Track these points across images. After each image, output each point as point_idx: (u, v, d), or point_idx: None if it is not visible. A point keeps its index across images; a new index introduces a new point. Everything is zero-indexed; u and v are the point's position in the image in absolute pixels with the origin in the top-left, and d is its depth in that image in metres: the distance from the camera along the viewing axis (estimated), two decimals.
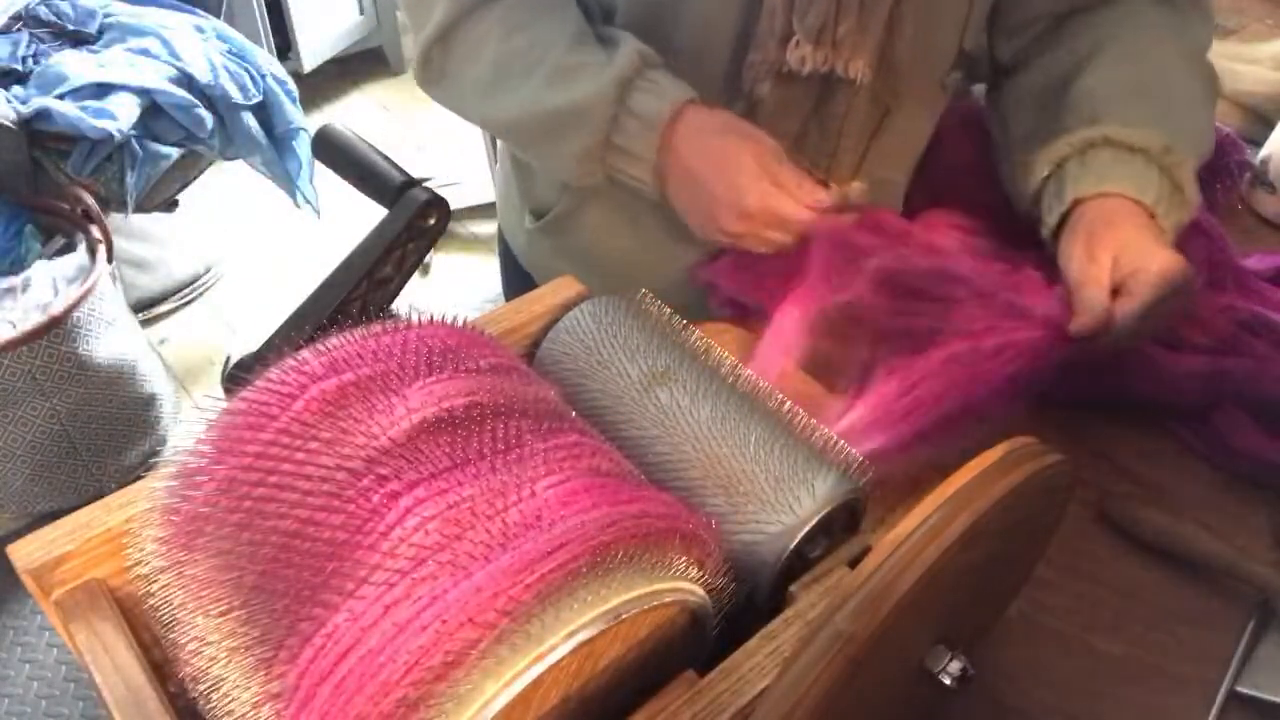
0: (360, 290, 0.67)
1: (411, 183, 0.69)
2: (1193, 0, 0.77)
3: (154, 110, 1.67)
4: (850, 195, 0.75)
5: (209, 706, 0.37)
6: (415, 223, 0.68)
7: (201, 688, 0.37)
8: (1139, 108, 0.70)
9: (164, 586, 0.40)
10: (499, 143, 0.94)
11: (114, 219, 1.68)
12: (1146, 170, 0.68)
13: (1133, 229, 0.66)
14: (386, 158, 0.71)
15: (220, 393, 0.45)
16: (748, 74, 0.72)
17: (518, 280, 0.99)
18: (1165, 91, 0.72)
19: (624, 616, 0.36)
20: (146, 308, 2.06)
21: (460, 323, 0.48)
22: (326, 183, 2.51)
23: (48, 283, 1.53)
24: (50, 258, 1.59)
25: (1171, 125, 0.70)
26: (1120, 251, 0.65)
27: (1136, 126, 0.69)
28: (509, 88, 0.71)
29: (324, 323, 0.66)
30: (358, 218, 2.98)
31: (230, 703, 0.36)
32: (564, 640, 0.34)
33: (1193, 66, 0.75)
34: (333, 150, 0.72)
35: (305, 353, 0.42)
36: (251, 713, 0.35)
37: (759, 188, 0.65)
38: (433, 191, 0.69)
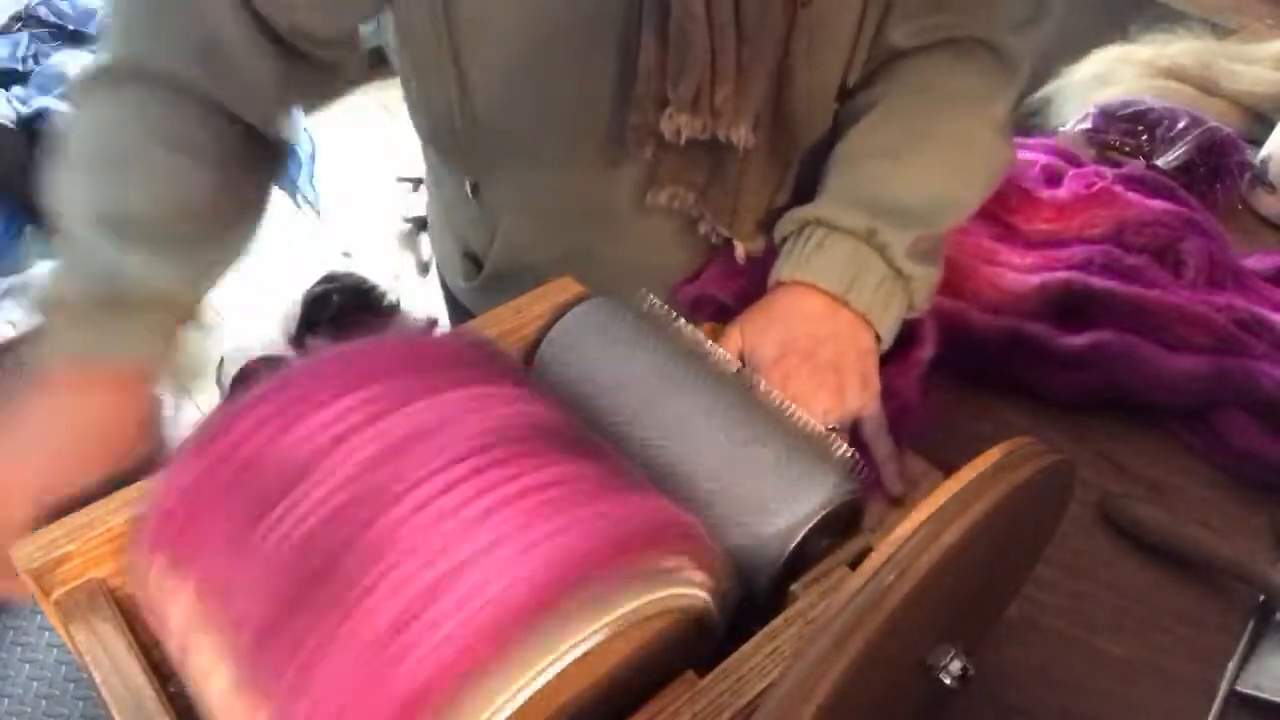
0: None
1: None
2: (1005, 66, 0.71)
3: None
4: (751, 252, 0.73)
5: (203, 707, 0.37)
6: None
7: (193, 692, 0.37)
8: (859, 181, 0.67)
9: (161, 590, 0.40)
10: (426, 176, 0.91)
11: None
12: (853, 253, 0.64)
13: (769, 329, 0.64)
14: None
15: (216, 393, 0.44)
16: (630, 137, 0.67)
17: (459, 316, 0.95)
18: (901, 164, 0.67)
19: (625, 624, 0.36)
20: None
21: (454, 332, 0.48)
22: (326, 183, 2.51)
23: None
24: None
25: (890, 201, 0.65)
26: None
27: (847, 206, 0.65)
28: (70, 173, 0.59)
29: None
30: (357, 218, 2.98)
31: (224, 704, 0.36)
32: (565, 653, 0.34)
33: (960, 137, 0.70)
34: None
35: (297, 367, 0.42)
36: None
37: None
38: None
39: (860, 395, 0.62)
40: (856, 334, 0.64)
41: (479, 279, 0.85)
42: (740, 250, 0.75)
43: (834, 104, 0.73)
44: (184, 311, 0.61)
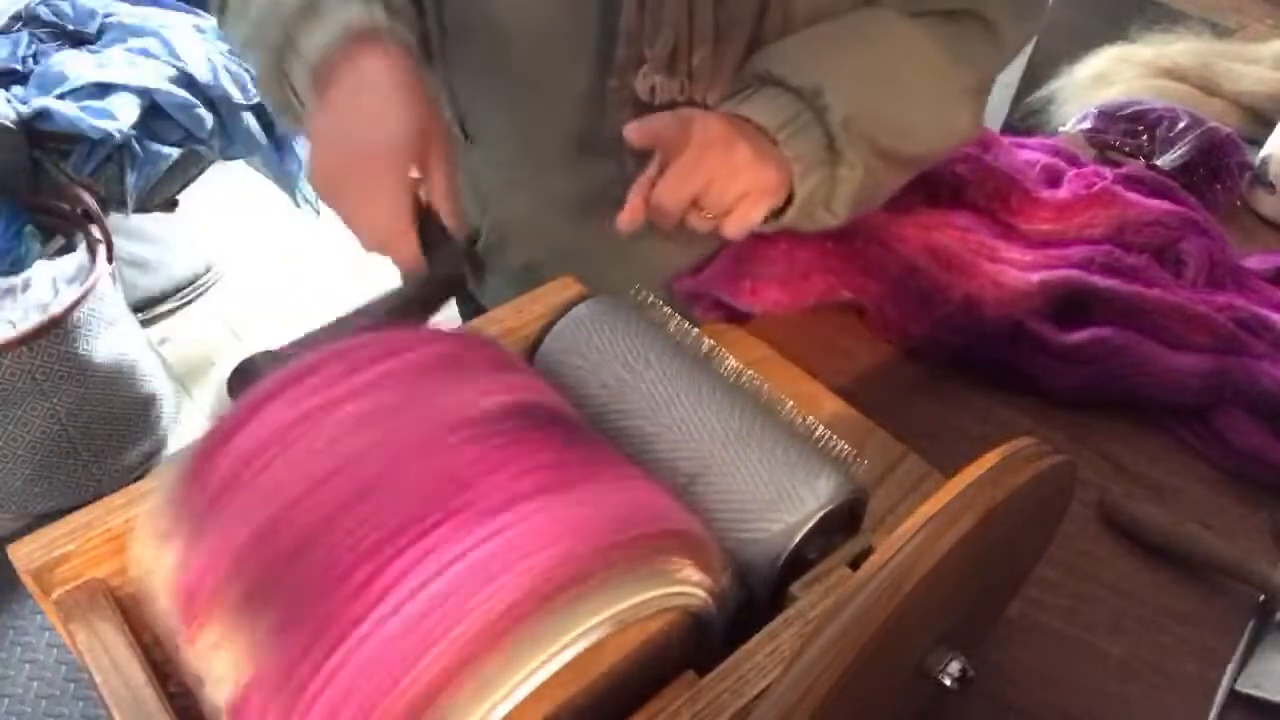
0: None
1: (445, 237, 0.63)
2: (993, 41, 0.70)
3: (154, 110, 1.67)
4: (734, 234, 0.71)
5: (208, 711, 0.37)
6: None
7: (203, 692, 0.37)
8: (818, 55, 0.64)
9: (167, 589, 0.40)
10: None
11: (114, 219, 1.68)
12: (791, 105, 0.62)
13: (723, 119, 0.61)
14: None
15: (217, 393, 0.44)
16: (610, 100, 0.68)
17: (465, 302, 0.97)
18: (862, 58, 0.65)
19: (623, 624, 0.36)
20: (146, 308, 2.06)
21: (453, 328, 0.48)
22: None
23: (48, 283, 1.53)
24: (50, 258, 1.59)
25: (843, 74, 0.63)
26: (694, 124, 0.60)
27: (804, 69, 0.63)
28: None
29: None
30: None
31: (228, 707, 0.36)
32: (563, 650, 0.34)
33: (925, 83, 0.68)
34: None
35: (292, 365, 0.42)
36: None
37: (385, 223, 0.57)
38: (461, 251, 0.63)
39: (734, 177, 0.59)
40: (769, 162, 0.61)
41: (476, 246, 0.85)
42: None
43: None
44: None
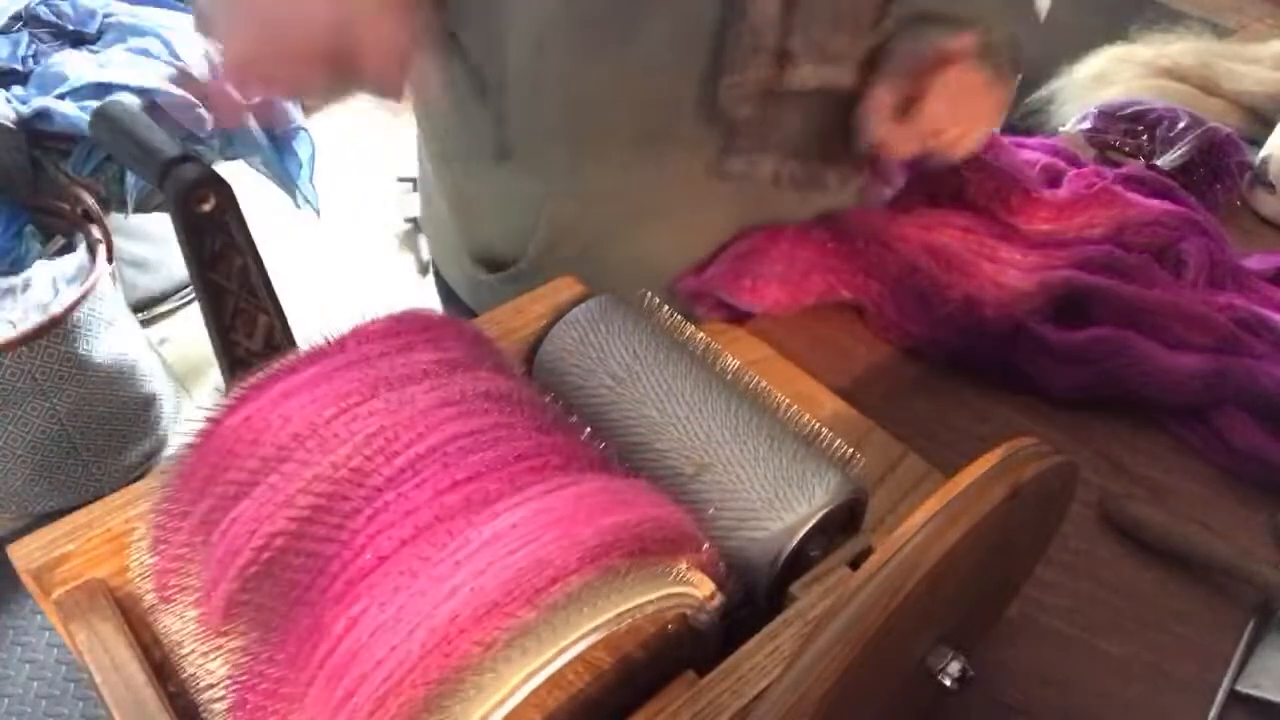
0: (225, 314, 0.56)
1: (180, 159, 0.54)
2: None
3: (154, 110, 1.67)
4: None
5: (208, 713, 0.37)
6: (189, 210, 0.53)
7: (201, 697, 0.37)
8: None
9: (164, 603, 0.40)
10: (426, 175, 0.92)
11: (114, 219, 1.68)
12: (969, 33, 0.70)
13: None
14: (163, 135, 0.57)
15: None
16: (726, 95, 0.70)
17: (457, 313, 0.94)
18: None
19: (623, 625, 0.36)
20: (146, 308, 2.06)
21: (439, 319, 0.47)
22: (327, 183, 2.52)
23: (48, 283, 1.53)
24: (50, 258, 1.60)
25: (987, 11, 0.71)
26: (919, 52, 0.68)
27: (958, 5, 0.70)
28: None
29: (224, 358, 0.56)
30: (358, 218, 2.97)
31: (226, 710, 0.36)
32: (560, 654, 0.34)
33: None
34: (108, 128, 0.56)
35: (277, 364, 0.42)
36: None
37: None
38: (204, 166, 0.54)
39: (987, 94, 0.68)
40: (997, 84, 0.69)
41: (504, 274, 0.83)
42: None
43: None
44: None
